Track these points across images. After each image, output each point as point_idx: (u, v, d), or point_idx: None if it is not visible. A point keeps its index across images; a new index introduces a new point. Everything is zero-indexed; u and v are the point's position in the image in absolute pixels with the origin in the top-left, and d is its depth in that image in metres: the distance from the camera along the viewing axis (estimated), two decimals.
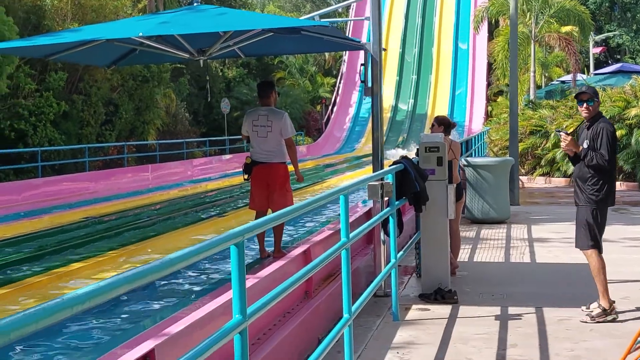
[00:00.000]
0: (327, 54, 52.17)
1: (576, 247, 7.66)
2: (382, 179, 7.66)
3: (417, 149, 8.60)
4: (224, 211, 15.71)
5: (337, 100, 46.64)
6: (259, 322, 6.59)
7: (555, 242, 12.23)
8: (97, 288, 2.29)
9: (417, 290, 8.80)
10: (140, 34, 7.45)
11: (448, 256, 8.86)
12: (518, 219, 14.88)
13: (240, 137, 9.35)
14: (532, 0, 26.39)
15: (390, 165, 8.63)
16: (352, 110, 46.57)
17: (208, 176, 25.41)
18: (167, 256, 2.85)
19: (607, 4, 45.16)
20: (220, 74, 45.16)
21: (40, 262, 10.39)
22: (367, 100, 47.59)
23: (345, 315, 5.47)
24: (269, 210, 8.88)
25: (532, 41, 26.97)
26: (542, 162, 22.92)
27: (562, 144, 7.60)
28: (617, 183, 20.78)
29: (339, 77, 48.93)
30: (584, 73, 31.04)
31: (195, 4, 8.68)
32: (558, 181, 22.33)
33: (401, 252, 8.04)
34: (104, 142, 26.06)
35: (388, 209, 7.44)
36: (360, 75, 8.63)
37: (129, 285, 2.47)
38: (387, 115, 46.21)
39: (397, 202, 7.83)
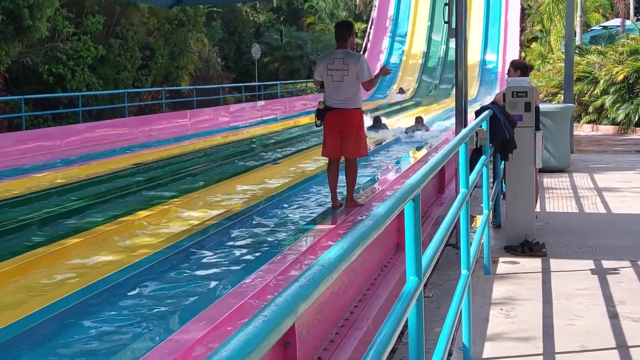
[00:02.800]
0: None
1: None
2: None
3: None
4: (274, 158, 15.35)
5: (368, 46, 45.82)
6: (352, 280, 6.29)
7: (625, 192, 11.80)
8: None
9: (498, 241, 8.45)
10: None
11: (534, 207, 8.49)
12: (578, 168, 14.44)
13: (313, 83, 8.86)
14: None
15: (476, 111, 8.23)
16: (382, 57, 45.74)
17: (246, 122, 25.03)
18: (375, 212, 2.48)
19: None
20: (251, 18, 44.53)
21: (103, 210, 10.11)
22: (397, 47, 47.00)
23: (464, 272, 5.11)
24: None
25: None
26: (590, 109, 22.34)
27: None
28: None
29: (369, 23, 48.06)
30: (627, 18, 30.20)
31: None
32: (606, 129, 21.79)
33: (491, 203, 7.65)
34: (141, 87, 25.70)
35: (484, 157, 7.02)
36: (443, 16, 8.15)
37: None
38: (418, 61, 45.49)
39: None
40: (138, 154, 16.55)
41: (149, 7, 24.41)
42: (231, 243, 8.10)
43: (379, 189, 9.80)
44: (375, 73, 8.55)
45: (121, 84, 24.30)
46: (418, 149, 15.59)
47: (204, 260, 7.43)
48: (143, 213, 9.38)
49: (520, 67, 9.39)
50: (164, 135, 20.55)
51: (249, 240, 8.20)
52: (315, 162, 14.56)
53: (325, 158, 8.77)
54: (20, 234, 8.76)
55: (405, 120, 22.98)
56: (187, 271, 7.09)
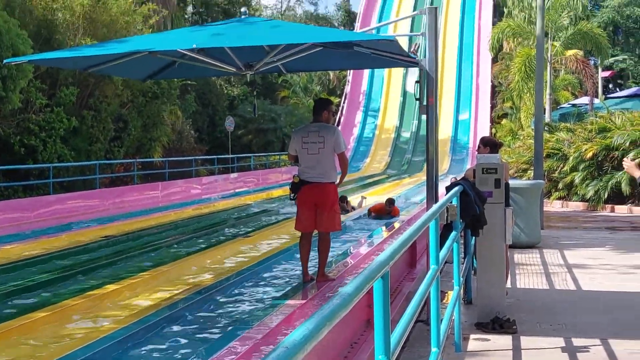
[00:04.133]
0: (331, 74, 51.98)
1: None
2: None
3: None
4: (245, 231, 15.29)
5: (342, 120, 46.29)
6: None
7: (595, 269, 11.87)
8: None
9: (468, 318, 8.43)
10: (194, 46, 7.10)
11: (505, 283, 8.50)
12: (548, 244, 14.53)
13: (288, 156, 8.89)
14: (549, 22, 26.17)
15: (447, 187, 8.29)
16: (356, 130, 46.24)
17: (218, 194, 24.99)
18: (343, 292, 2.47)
19: (611, 29, 45.08)
20: (225, 91, 44.90)
21: (71, 283, 9.97)
22: (370, 121, 47.53)
23: (434, 350, 5.07)
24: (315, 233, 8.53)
25: (548, 63, 26.73)
26: (560, 186, 22.60)
27: (624, 165, 7.19)
28: (626, 207, 20.54)
29: (343, 98, 48.69)
30: (595, 97, 30.83)
31: (243, 17, 8.34)
32: (575, 205, 22.01)
33: (461, 278, 7.64)
34: (113, 159, 25.65)
35: (454, 232, 7.05)
36: (415, 92, 8.28)
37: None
38: (391, 136, 45.97)
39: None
40: (109, 226, 16.41)
41: (123, 79, 24.54)
42: (200, 318, 7.99)
43: (350, 263, 9.77)
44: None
45: (93, 156, 24.24)
46: (388, 224, 15.62)
47: (171, 336, 7.31)
48: (111, 287, 9.25)
49: (489, 144, 9.52)
50: (135, 207, 20.42)
51: (217, 316, 8.10)
52: (287, 235, 14.52)
53: (298, 232, 8.78)
54: None
55: (376, 197, 22.76)
56: (154, 346, 6.97)
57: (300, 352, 1.92)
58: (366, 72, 49.15)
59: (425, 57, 8.33)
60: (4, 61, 9.02)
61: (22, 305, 8.75)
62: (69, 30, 24.01)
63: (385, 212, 17.47)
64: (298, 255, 10.58)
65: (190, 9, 47.88)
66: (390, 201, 17.98)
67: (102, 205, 19.74)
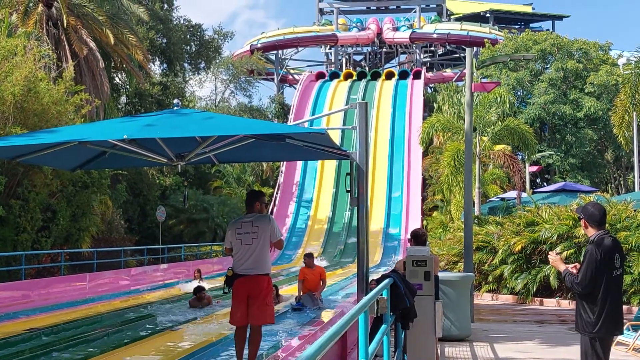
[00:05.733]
0: (264, 165, 52.25)
1: None
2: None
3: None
4: (174, 324, 15.00)
5: (274, 210, 46.43)
6: None
7: None
8: None
9: None
10: (125, 137, 7.09)
11: None
12: (478, 337, 14.58)
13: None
14: (477, 118, 26.91)
15: (377, 280, 8.32)
16: (289, 221, 46.37)
17: (148, 286, 24.57)
18: None
19: (537, 125, 46.56)
20: (157, 181, 44.65)
21: None
22: (303, 212, 47.74)
23: None
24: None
25: (477, 158, 27.38)
26: (490, 278, 22.84)
27: (550, 259, 7.28)
28: (555, 300, 20.83)
29: (276, 188, 48.93)
30: (523, 191, 31.56)
31: (176, 108, 8.38)
32: (505, 298, 22.23)
33: None
34: (40, 249, 25.08)
35: (384, 325, 7.04)
36: (345, 185, 8.37)
37: None
38: (324, 226, 46.16)
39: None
40: (33, 319, 15.96)
41: (53, 169, 24.23)
42: None
43: (281, 356, 9.67)
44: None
45: (20, 246, 23.66)
46: (321, 316, 15.52)
47: None
48: None
49: (413, 237, 9.60)
50: (62, 299, 19.94)
51: None
52: (219, 326, 14.29)
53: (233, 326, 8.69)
54: None
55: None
56: None
57: None
58: (299, 164, 49.67)
59: (356, 149, 8.46)
60: None
61: None
62: None
63: (309, 265, 17.51)
64: (230, 349, 10.43)
65: (123, 99, 47.92)
66: (309, 255, 18.04)
67: (27, 296, 19.20)
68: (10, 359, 10.95)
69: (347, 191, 8.43)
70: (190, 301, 17.78)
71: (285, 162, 49.23)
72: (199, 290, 17.85)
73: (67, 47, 32.21)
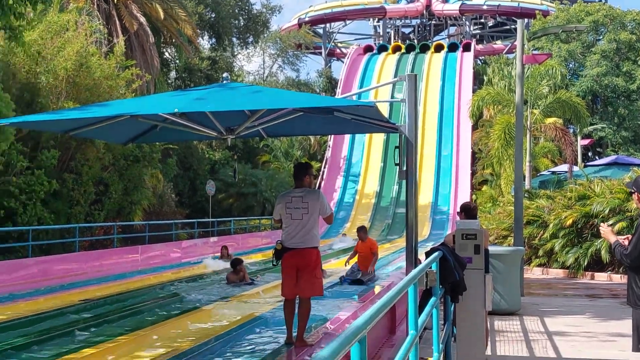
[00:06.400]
0: (312, 139, 52.33)
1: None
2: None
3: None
4: (224, 296, 15.16)
5: (322, 185, 46.50)
6: None
7: (575, 336, 11.83)
8: None
9: None
10: (176, 110, 7.17)
11: (485, 350, 8.47)
12: (528, 311, 14.49)
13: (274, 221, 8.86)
14: (528, 90, 26.56)
15: (426, 252, 8.32)
16: (336, 195, 46.41)
17: (198, 258, 24.83)
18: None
19: (589, 97, 45.82)
20: (207, 155, 45.03)
21: (48, 346, 9.83)
22: (351, 186, 47.73)
23: None
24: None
25: (528, 131, 27.04)
26: (540, 253, 22.65)
27: (601, 230, 7.15)
28: (606, 275, 20.57)
29: (323, 162, 48.96)
30: (574, 164, 31.15)
31: (225, 82, 8.44)
32: (556, 272, 22.03)
33: (441, 345, 7.60)
34: (93, 222, 25.53)
35: (434, 298, 7.04)
36: (394, 158, 8.36)
37: None
38: (371, 201, 46.10)
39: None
40: (87, 290, 16.29)
41: (105, 143, 24.60)
42: None
43: (330, 328, 9.74)
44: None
45: (73, 219, 24.12)
46: (370, 289, 15.57)
47: None
48: (88, 351, 9.14)
49: (463, 210, 9.57)
50: (115, 271, 20.31)
51: None
52: (267, 298, 14.44)
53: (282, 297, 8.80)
54: None
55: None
56: None
57: None
58: (347, 137, 49.58)
59: (405, 122, 8.43)
60: None
61: None
62: (51, 94, 24.11)
63: (361, 239, 17.31)
64: (277, 320, 10.54)
65: (173, 74, 48.28)
66: (360, 228, 17.77)
67: (81, 268, 19.59)
68: (65, 329, 11.19)
69: (396, 164, 8.42)
70: (227, 275, 17.46)
71: (333, 136, 49.20)
72: (236, 263, 17.51)
73: (117, 22, 32.56)
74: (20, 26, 14.49)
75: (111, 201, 26.95)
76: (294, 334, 8.66)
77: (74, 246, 21.61)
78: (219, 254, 22.84)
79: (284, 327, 9.04)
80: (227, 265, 20.14)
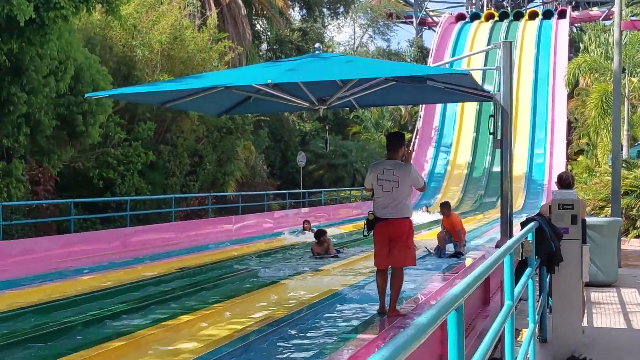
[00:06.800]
0: (402, 109, 52.00)
1: None
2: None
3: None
4: (315, 266, 15.29)
5: (413, 156, 46.22)
6: None
7: None
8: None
9: (543, 356, 8.25)
10: (269, 81, 7.21)
11: (581, 322, 8.32)
12: (626, 282, 14.16)
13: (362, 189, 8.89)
14: (626, 58, 25.73)
15: (522, 223, 8.19)
16: (427, 166, 46.12)
17: (289, 228, 25.09)
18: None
19: None
20: (297, 127, 45.31)
21: (146, 313, 10.15)
22: (442, 157, 47.33)
23: None
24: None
25: (626, 99, 26.23)
26: (638, 224, 22.03)
27: None
28: None
29: (414, 133, 48.63)
30: None
31: (317, 52, 8.45)
32: None
33: (536, 316, 7.51)
34: (188, 193, 26.09)
35: (529, 269, 6.95)
36: (489, 127, 8.23)
37: None
38: (463, 172, 45.65)
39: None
40: (183, 259, 16.67)
41: (199, 115, 25.02)
42: (271, 350, 8.03)
43: (421, 299, 9.73)
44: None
45: (169, 190, 24.70)
46: (461, 261, 15.46)
47: None
48: (185, 317, 9.39)
49: (559, 180, 9.36)
50: (209, 240, 20.74)
51: (289, 348, 8.12)
52: (359, 269, 14.51)
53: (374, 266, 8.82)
54: (65, 336, 8.79)
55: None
56: None
57: None
58: (438, 108, 49.10)
59: (499, 91, 8.29)
60: (85, 95, 9.29)
61: (98, 334, 8.92)
62: (147, 67, 24.63)
63: (445, 215, 17.12)
64: (369, 290, 10.58)
65: (264, 46, 48.61)
66: (444, 204, 17.49)
67: (177, 237, 20.07)
68: (162, 297, 11.50)
69: (490, 134, 8.31)
70: (312, 247, 17.21)
71: (424, 106, 48.78)
72: (320, 234, 17.23)
73: None
74: (117, 0, 14.81)
75: (205, 172, 27.47)
76: (387, 305, 8.67)
77: (170, 216, 22.13)
78: (301, 227, 22.92)
79: (375, 298, 9.05)
80: (306, 238, 20.28)
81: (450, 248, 16.94)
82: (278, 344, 8.31)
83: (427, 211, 32.54)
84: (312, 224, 23.04)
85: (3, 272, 13.67)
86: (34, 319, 9.90)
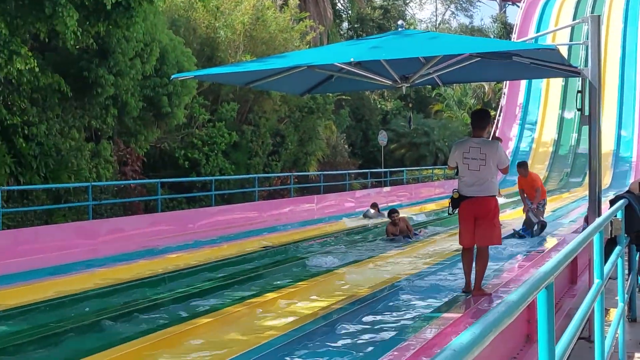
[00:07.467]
0: (486, 86, 51.26)
1: None
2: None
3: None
4: (398, 245, 15.26)
5: (497, 133, 45.50)
6: None
7: None
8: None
9: (633, 336, 8.07)
10: (352, 59, 7.20)
11: None
12: None
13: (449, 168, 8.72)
14: None
15: (611, 200, 8.03)
16: (512, 144, 45.34)
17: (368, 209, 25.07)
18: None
19: None
20: (378, 106, 45.16)
21: (232, 290, 10.33)
22: (527, 134, 46.50)
23: None
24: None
25: None
26: None
27: None
28: None
29: (498, 110, 47.87)
30: None
31: (400, 29, 8.40)
32: None
33: (626, 295, 7.35)
34: (271, 172, 26.34)
35: (619, 247, 6.80)
36: (576, 103, 8.05)
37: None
38: (549, 149, 44.80)
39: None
40: (267, 237, 16.86)
41: (281, 95, 25.20)
42: (355, 328, 8.07)
43: (507, 278, 9.63)
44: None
45: (252, 169, 24.99)
46: (542, 241, 15.22)
47: (328, 345, 7.42)
48: (270, 295, 9.51)
49: None
50: (292, 219, 20.92)
51: (373, 327, 8.16)
52: (443, 248, 14.44)
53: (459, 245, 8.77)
54: (154, 312, 9.03)
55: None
56: (311, 355, 7.09)
57: (467, 355, 1.93)
58: (523, 84, 48.18)
59: (587, 66, 8.10)
60: (172, 77, 9.45)
61: (187, 310, 9.14)
62: (230, 48, 24.89)
63: (522, 175, 16.65)
64: (454, 269, 10.53)
65: (345, 24, 48.54)
66: (521, 164, 16.97)
67: (260, 217, 20.30)
68: (247, 274, 11.68)
69: (578, 110, 8.11)
70: (387, 228, 16.54)
71: (508, 83, 47.92)
72: (393, 212, 16.61)
73: None
74: None
75: (287, 152, 27.68)
76: (472, 283, 8.62)
77: (253, 195, 22.40)
78: (371, 209, 22.48)
79: (460, 277, 8.99)
80: (367, 221, 20.09)
81: (532, 220, 16.38)
82: (361, 322, 8.35)
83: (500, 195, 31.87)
84: (380, 206, 22.66)
85: (93, 250, 14.08)
86: (125, 295, 10.19)
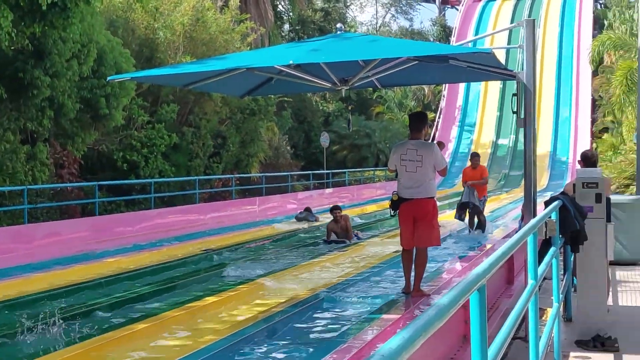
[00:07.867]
0: (426, 88, 51.74)
1: None
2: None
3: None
4: (341, 246, 15.27)
5: (436, 135, 46.03)
6: None
7: None
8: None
9: (568, 335, 8.22)
10: (291, 62, 7.21)
11: (606, 300, 8.28)
12: None
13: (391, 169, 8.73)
14: None
15: (546, 202, 8.15)
16: (451, 146, 45.87)
17: (314, 209, 25.08)
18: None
19: None
20: (320, 108, 45.25)
21: (171, 295, 10.23)
22: (466, 136, 47.09)
23: None
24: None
25: None
26: None
27: None
28: None
29: (438, 112, 48.39)
30: None
31: (339, 32, 8.42)
32: None
33: (561, 295, 7.48)
34: (212, 174, 26.17)
35: (553, 248, 6.92)
36: (512, 106, 8.18)
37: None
38: (487, 151, 45.40)
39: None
40: (208, 240, 16.75)
41: (222, 96, 25.05)
42: (295, 331, 8.06)
43: (446, 278, 9.73)
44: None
45: (193, 171, 24.79)
46: (486, 242, 15.41)
47: (268, 348, 7.40)
48: (210, 299, 9.44)
49: (583, 158, 9.33)
50: (233, 222, 20.81)
51: (313, 329, 8.16)
52: (377, 249, 14.52)
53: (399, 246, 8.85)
54: (90, 318, 8.88)
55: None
56: (251, 358, 7.06)
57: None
58: (462, 87, 48.78)
59: (523, 69, 8.23)
60: (108, 78, 9.35)
61: (123, 316, 9.01)
62: (169, 49, 24.67)
63: (474, 166, 16.88)
64: (392, 271, 10.58)
65: (286, 26, 48.54)
66: (474, 154, 17.32)
67: (201, 219, 20.15)
68: (186, 278, 11.59)
69: (514, 112, 8.24)
70: (328, 225, 16.06)
71: (447, 86, 48.48)
72: (335, 208, 15.99)
73: None
74: None
75: (229, 154, 27.54)
76: (412, 284, 8.69)
77: (194, 198, 22.23)
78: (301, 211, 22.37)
79: (400, 278, 9.05)
80: (300, 224, 20.06)
81: (468, 195, 16.47)
82: (303, 324, 8.35)
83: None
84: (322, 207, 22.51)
85: (29, 255, 13.81)
86: (61, 301, 10.00)
